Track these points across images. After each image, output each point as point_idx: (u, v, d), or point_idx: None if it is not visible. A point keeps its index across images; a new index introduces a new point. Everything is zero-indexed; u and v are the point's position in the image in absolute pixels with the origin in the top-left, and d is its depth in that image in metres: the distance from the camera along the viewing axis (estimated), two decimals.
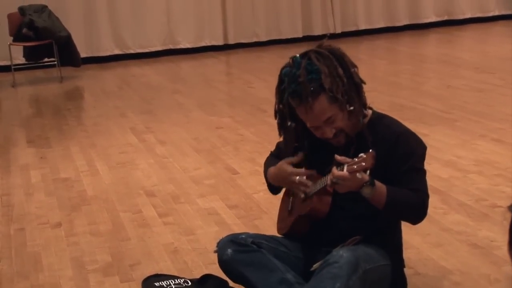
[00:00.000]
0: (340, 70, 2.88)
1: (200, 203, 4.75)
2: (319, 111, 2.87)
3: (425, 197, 2.94)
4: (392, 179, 2.89)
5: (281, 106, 3.06)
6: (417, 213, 2.97)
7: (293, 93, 2.91)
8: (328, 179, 2.81)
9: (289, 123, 3.05)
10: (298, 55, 2.94)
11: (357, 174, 2.69)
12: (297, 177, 3.05)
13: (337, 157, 2.77)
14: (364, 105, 2.98)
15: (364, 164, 2.69)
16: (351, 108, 2.89)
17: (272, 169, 3.20)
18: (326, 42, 2.99)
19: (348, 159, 2.74)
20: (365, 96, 2.98)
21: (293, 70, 2.92)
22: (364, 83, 2.97)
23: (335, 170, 2.74)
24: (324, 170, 2.97)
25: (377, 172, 2.79)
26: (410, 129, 3.03)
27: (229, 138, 6.27)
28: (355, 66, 2.96)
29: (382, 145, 2.90)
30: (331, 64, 2.89)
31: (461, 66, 8.93)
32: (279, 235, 3.30)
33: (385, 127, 2.99)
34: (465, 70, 8.66)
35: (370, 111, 3.04)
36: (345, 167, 2.72)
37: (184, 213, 4.58)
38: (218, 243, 3.14)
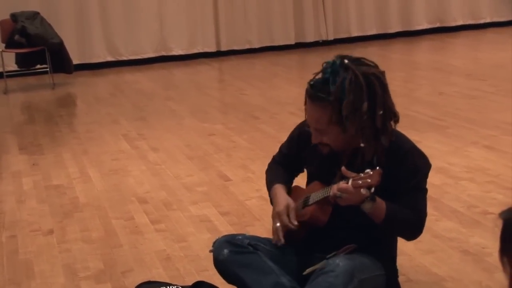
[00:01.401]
0: (365, 106, 2.79)
1: (193, 210, 4.75)
2: (315, 118, 2.88)
3: (423, 216, 2.94)
4: (393, 194, 2.88)
5: None
6: (413, 231, 2.97)
7: (308, 87, 2.89)
8: (331, 190, 2.81)
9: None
10: (341, 62, 2.82)
11: (361, 189, 2.69)
12: (278, 224, 3.06)
13: (344, 170, 2.75)
14: (381, 141, 2.89)
15: (369, 180, 2.67)
16: (361, 145, 2.85)
17: (274, 191, 3.19)
18: (377, 69, 2.92)
19: (354, 174, 2.72)
20: (390, 131, 2.90)
21: (328, 70, 2.84)
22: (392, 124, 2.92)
23: (340, 183, 2.74)
24: (326, 181, 2.98)
25: (379, 186, 2.74)
26: (417, 146, 3.01)
27: (222, 145, 6.27)
28: (384, 108, 2.85)
29: (388, 160, 2.88)
30: (359, 96, 2.79)
31: (453, 73, 8.96)
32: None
33: (393, 142, 2.93)
34: (457, 77, 8.68)
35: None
36: (350, 181, 2.70)
37: (176, 220, 4.58)
38: (214, 243, 3.14)
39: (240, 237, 3.12)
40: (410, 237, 3.05)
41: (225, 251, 3.05)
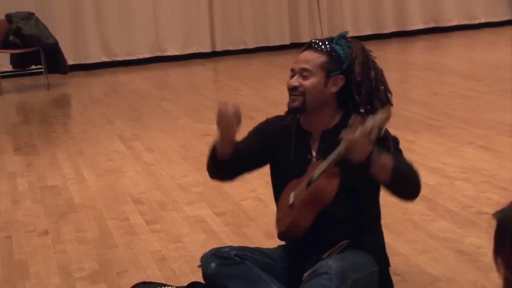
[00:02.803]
0: (373, 73, 3.03)
1: (188, 210, 4.75)
2: (306, 59, 3.02)
3: (416, 169, 2.93)
4: None
5: None
6: (417, 182, 2.90)
7: (309, 41, 3.08)
8: (339, 147, 2.75)
9: None
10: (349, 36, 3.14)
11: (371, 135, 2.67)
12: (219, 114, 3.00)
13: (352, 119, 2.75)
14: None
15: (381, 119, 2.69)
16: (361, 110, 2.96)
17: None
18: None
19: (360, 119, 2.73)
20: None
21: (335, 37, 3.11)
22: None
23: (346, 132, 2.72)
24: (302, 172, 3.01)
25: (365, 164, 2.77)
26: None
27: None
28: (384, 86, 3.10)
29: None
30: (367, 62, 3.05)
31: (448, 73, 8.97)
32: (264, 247, 3.29)
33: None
34: (451, 77, 8.69)
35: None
36: (359, 129, 2.68)
37: (171, 220, 4.58)
38: (202, 258, 3.13)
39: (226, 249, 3.11)
40: (415, 192, 2.94)
41: (212, 264, 3.04)
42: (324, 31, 11.58)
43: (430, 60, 10.00)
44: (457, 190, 4.76)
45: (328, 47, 3.03)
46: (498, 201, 4.41)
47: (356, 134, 2.68)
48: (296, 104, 3.03)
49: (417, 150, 5.57)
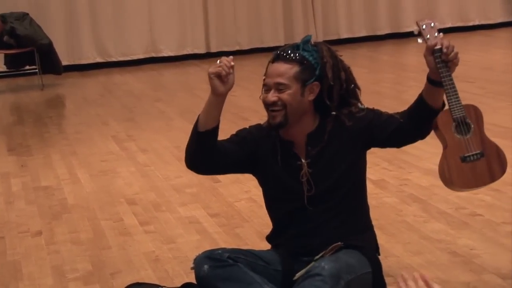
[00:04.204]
0: (343, 75, 3.06)
1: (182, 211, 4.74)
2: (279, 72, 3.03)
3: None
4: (386, 134, 3.07)
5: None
6: None
7: (277, 52, 3.11)
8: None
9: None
10: (310, 40, 3.13)
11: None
12: (218, 61, 3.08)
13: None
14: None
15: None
16: (333, 113, 3.06)
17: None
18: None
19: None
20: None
21: (299, 42, 3.12)
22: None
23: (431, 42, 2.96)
24: (294, 177, 3.07)
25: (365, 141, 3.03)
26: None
27: None
28: (354, 84, 3.16)
29: (352, 128, 3.07)
30: (337, 64, 3.07)
31: None
32: (257, 249, 3.29)
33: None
34: None
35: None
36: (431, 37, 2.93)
37: (165, 221, 4.58)
38: (195, 260, 3.13)
39: (219, 251, 3.11)
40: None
41: (205, 267, 3.03)
42: (319, 33, 11.58)
43: (424, 62, 9.96)
44: (450, 191, 4.74)
45: (298, 56, 3.03)
46: (491, 202, 4.43)
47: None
48: (278, 119, 3.05)
49: (410, 151, 5.57)
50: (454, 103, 2.99)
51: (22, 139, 6.93)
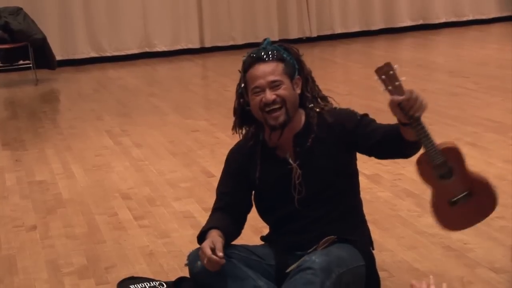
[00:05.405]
0: (311, 73, 3.17)
1: (176, 206, 4.75)
2: (270, 70, 3.02)
3: None
4: (366, 142, 3.06)
5: (240, 99, 3.17)
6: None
7: (252, 56, 3.07)
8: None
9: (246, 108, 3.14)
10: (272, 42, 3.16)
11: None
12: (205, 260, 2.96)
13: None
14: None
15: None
16: (310, 105, 3.13)
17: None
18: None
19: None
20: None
21: (261, 46, 3.13)
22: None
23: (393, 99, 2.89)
24: (287, 185, 3.10)
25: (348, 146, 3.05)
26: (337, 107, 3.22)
27: (205, 141, 6.28)
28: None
29: (331, 131, 3.10)
30: (305, 64, 3.16)
31: (436, 70, 9.00)
32: (251, 245, 3.29)
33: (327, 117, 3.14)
34: (439, 74, 8.72)
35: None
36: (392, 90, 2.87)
37: (159, 216, 4.59)
38: (189, 256, 3.14)
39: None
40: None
41: (199, 263, 3.03)
42: (313, 28, 11.59)
43: (418, 57, 10.01)
44: None
45: (276, 54, 3.06)
46: None
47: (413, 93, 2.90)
48: (282, 118, 3.04)
49: None
50: (431, 151, 2.93)
51: (17, 133, 6.92)
